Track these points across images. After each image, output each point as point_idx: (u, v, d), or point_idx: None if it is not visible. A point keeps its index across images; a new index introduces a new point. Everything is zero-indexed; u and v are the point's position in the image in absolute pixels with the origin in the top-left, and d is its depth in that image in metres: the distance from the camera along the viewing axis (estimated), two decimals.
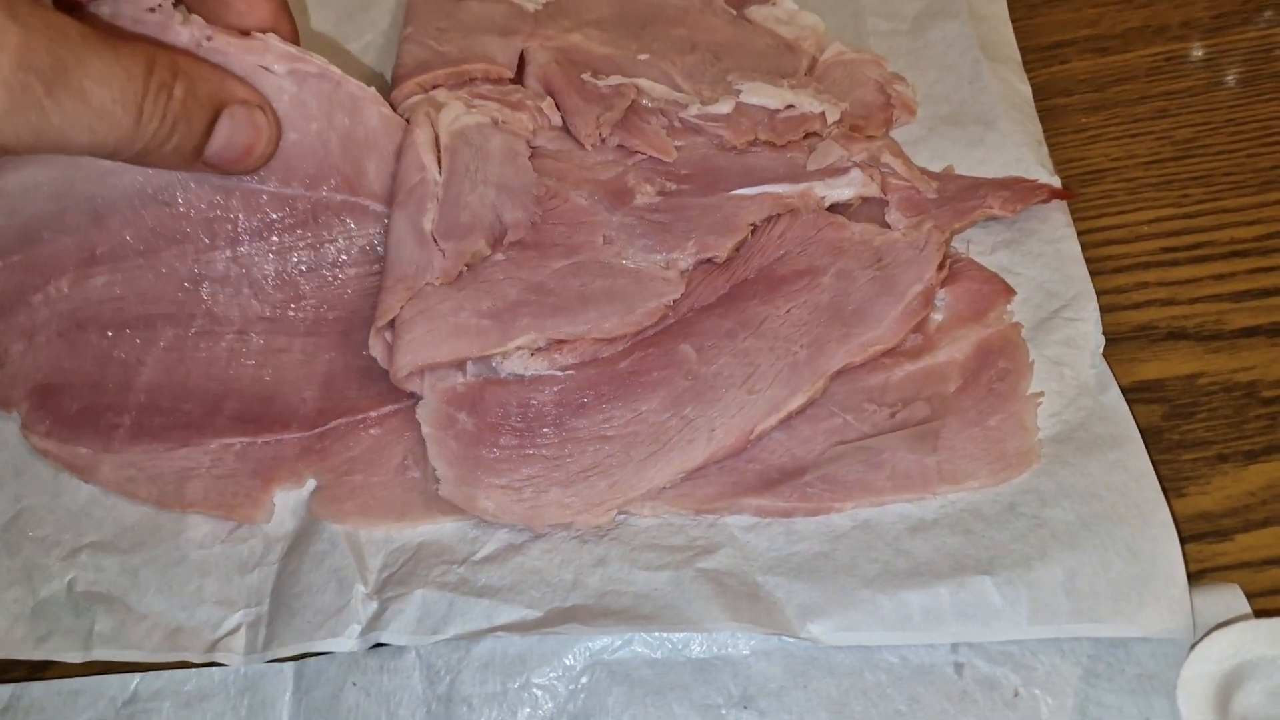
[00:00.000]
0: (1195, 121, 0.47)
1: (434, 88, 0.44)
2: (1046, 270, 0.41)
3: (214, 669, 0.35)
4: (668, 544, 0.35)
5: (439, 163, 0.41)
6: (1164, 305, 0.42)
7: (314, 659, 0.35)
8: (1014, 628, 0.32)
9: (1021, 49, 0.50)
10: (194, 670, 0.35)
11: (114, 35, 0.32)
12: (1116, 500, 0.34)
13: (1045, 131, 0.47)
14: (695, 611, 0.33)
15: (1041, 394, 0.37)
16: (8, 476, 0.40)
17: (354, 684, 0.34)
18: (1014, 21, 0.51)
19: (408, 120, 0.42)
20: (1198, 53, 0.50)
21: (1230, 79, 0.49)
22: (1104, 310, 0.40)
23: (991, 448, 0.36)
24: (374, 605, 0.34)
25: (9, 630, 0.36)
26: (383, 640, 0.34)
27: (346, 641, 0.34)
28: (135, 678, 0.35)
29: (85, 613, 0.36)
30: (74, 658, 0.35)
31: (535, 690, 0.33)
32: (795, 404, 0.37)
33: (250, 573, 0.36)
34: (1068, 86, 0.49)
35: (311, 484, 0.39)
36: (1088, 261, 0.42)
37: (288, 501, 0.38)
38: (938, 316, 0.40)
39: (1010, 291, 0.40)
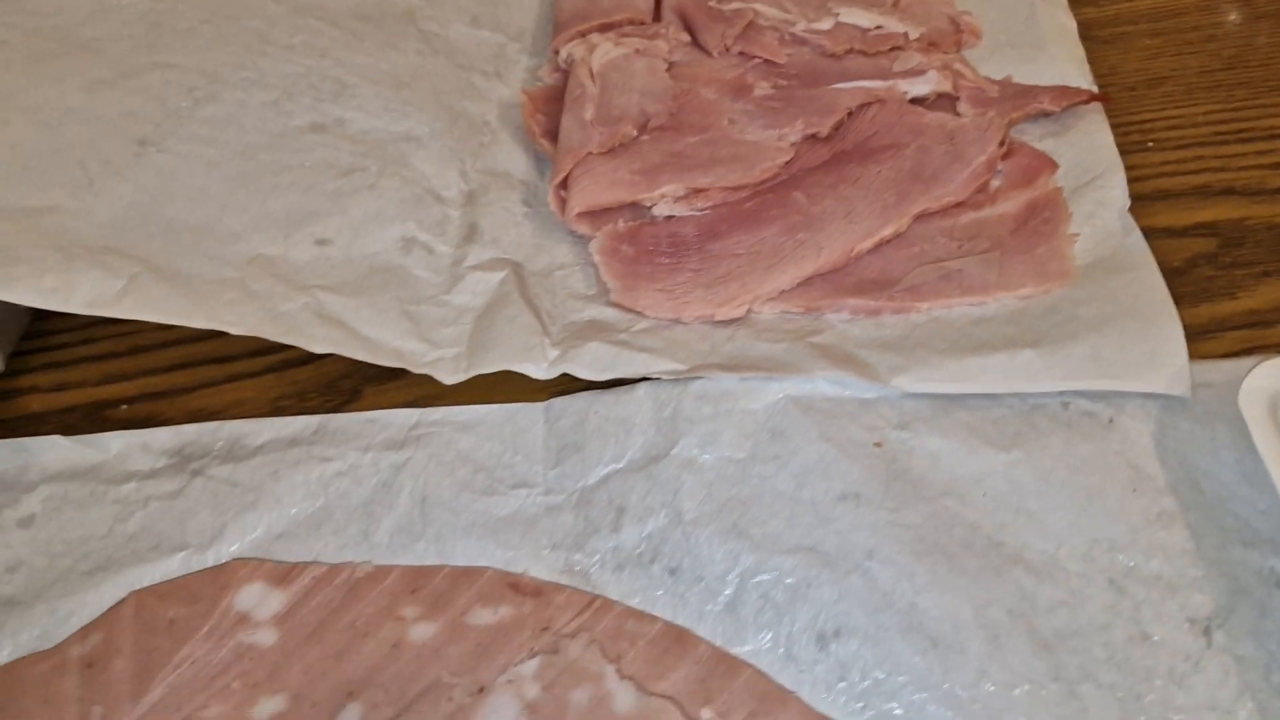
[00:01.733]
0: (1238, 44, 0.59)
1: (589, 33, 0.56)
2: (1084, 153, 0.51)
3: (479, 405, 0.42)
4: (784, 329, 0.46)
5: (594, 83, 0.53)
6: (1217, 171, 0.52)
7: (559, 399, 0.42)
8: (1051, 383, 0.42)
9: None
10: (465, 406, 0.43)
11: None
12: (1134, 303, 0.44)
13: (1115, 49, 0.59)
14: (806, 365, 0.43)
15: (1077, 234, 0.48)
16: (247, 231, 0.46)
17: (596, 411, 0.43)
18: None
19: (570, 59, 0.54)
20: None
21: (1266, 14, 0.61)
22: (1167, 174, 0.52)
23: (1037, 268, 0.46)
24: (556, 351, 0.44)
25: (259, 324, 0.42)
26: (566, 370, 0.43)
27: (538, 369, 0.44)
28: (418, 412, 0.43)
29: (318, 327, 0.43)
30: (313, 347, 0.42)
31: (741, 414, 0.43)
32: (886, 232, 0.48)
33: (450, 326, 0.45)
34: (1133, 19, 0.61)
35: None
36: (1153, 141, 0.53)
37: (477, 285, 0.47)
38: (996, 183, 0.50)
39: (1054, 165, 0.50)
